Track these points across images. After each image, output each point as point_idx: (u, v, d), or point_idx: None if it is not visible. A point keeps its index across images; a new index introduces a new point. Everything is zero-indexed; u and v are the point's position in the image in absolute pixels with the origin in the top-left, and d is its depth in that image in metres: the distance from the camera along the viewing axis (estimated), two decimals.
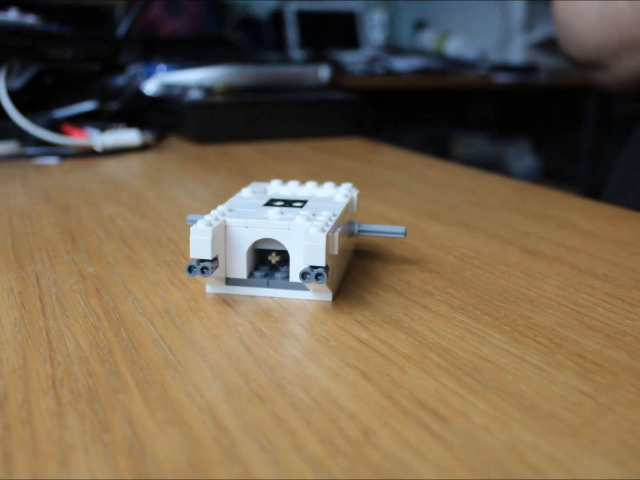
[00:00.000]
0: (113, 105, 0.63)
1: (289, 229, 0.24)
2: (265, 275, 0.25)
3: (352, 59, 1.94)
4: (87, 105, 0.61)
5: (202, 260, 0.23)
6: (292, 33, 1.96)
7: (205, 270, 0.23)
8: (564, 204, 0.40)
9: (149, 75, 0.75)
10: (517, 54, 2.12)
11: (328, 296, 0.24)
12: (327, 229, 0.23)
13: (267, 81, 0.74)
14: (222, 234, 0.24)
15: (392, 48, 2.20)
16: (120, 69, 0.66)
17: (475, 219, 0.37)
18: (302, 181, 0.46)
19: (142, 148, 0.58)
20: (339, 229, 0.24)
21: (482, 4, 2.17)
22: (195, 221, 0.27)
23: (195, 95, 0.69)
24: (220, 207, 0.26)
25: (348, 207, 0.28)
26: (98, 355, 0.20)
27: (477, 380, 0.19)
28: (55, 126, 0.56)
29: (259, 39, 2.00)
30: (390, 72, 1.86)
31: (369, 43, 2.13)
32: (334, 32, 2.05)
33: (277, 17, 2.03)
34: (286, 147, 0.62)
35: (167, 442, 0.15)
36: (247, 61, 0.80)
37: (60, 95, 0.61)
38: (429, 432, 0.16)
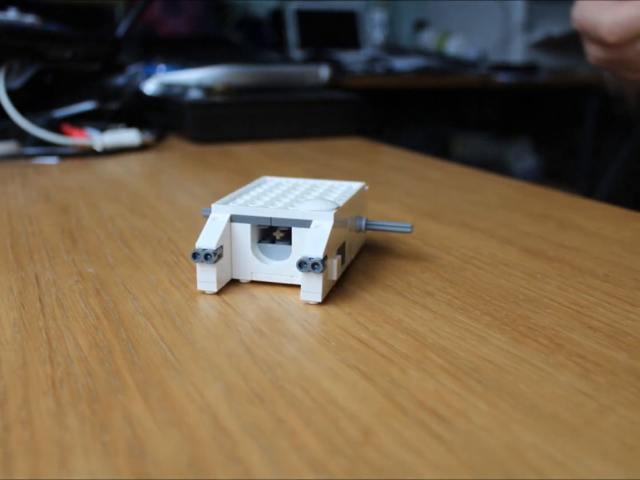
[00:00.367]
0: (113, 105, 0.63)
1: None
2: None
3: (352, 59, 1.94)
4: (87, 105, 0.61)
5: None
6: (292, 33, 1.96)
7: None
8: (564, 204, 0.40)
9: (148, 75, 0.75)
10: (517, 53, 2.12)
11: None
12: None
13: (267, 81, 0.74)
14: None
15: (393, 48, 2.20)
16: (120, 68, 0.66)
17: (475, 219, 0.37)
18: (303, 177, 0.46)
19: (142, 148, 0.58)
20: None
21: (483, 3, 2.17)
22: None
23: (195, 95, 0.69)
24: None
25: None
26: (98, 356, 0.20)
27: (477, 381, 0.18)
28: (55, 126, 0.56)
29: (258, 38, 2.00)
30: (391, 72, 1.86)
31: (369, 43, 2.13)
32: (334, 31, 2.05)
33: (277, 17, 2.03)
34: (286, 147, 0.62)
35: (167, 442, 0.15)
36: (247, 61, 0.80)
37: (59, 95, 0.61)
38: (429, 432, 0.16)
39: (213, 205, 0.25)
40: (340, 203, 0.26)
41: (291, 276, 0.25)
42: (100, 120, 0.61)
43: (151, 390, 0.18)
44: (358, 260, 0.29)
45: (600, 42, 0.43)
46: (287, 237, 0.26)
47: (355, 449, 0.15)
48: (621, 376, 0.19)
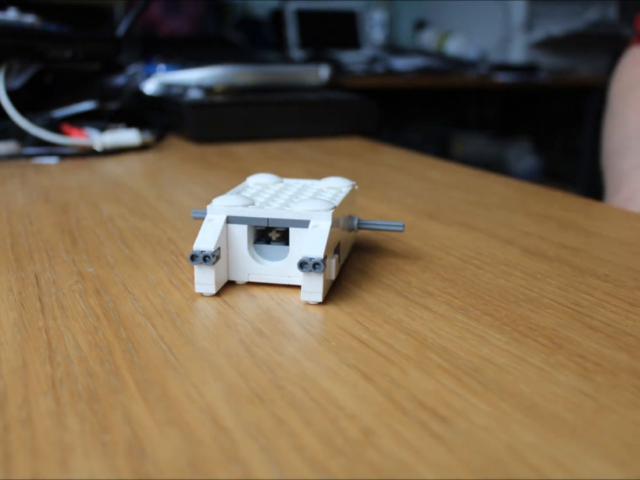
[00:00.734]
0: (112, 105, 0.63)
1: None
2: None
3: (352, 59, 1.94)
4: (87, 105, 0.61)
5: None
6: (292, 33, 1.96)
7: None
8: (564, 203, 0.40)
9: (148, 75, 0.75)
10: (517, 53, 2.12)
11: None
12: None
13: (267, 81, 0.74)
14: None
15: (393, 48, 2.20)
16: (119, 68, 0.66)
17: (475, 219, 0.37)
18: (303, 177, 0.46)
19: (142, 148, 0.58)
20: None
21: (483, 3, 2.17)
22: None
23: (195, 95, 0.69)
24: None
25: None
26: (98, 356, 0.20)
27: (477, 381, 0.18)
28: (55, 126, 0.56)
29: (258, 38, 2.00)
30: (391, 72, 1.86)
31: (369, 43, 2.13)
32: (334, 31, 2.05)
33: (277, 17, 2.03)
34: (286, 147, 0.62)
35: (166, 442, 0.15)
36: (246, 61, 0.80)
37: (59, 95, 0.61)
38: (429, 432, 0.16)
39: (209, 207, 0.25)
40: (336, 202, 0.26)
41: (289, 276, 0.25)
42: (100, 120, 0.61)
43: (151, 391, 0.18)
44: (358, 260, 0.29)
45: None
46: (282, 238, 0.26)
47: (355, 449, 0.15)
48: (621, 376, 0.19)
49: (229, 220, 0.25)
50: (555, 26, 2.04)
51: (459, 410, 0.17)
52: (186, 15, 1.88)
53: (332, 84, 0.81)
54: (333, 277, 0.25)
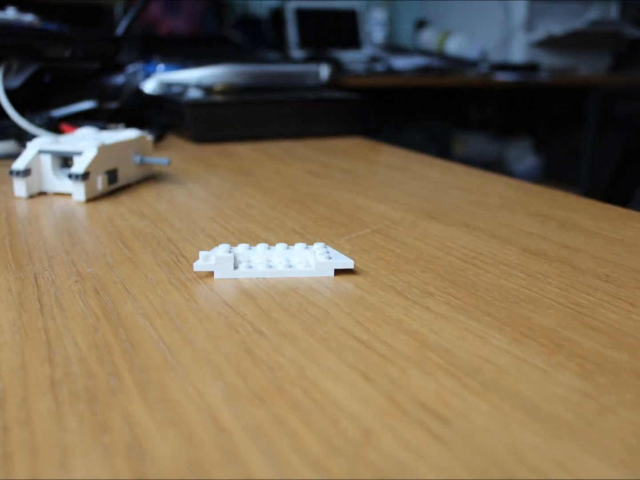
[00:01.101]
0: (112, 105, 0.63)
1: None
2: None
3: (353, 58, 1.94)
4: (86, 105, 0.61)
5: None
6: (292, 32, 1.96)
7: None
8: (565, 204, 0.40)
9: (148, 74, 0.75)
10: (518, 53, 2.12)
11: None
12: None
13: (267, 80, 0.74)
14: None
15: (393, 47, 2.19)
16: (119, 68, 0.66)
17: (476, 219, 0.36)
18: (303, 177, 0.46)
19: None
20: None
21: (483, 2, 2.17)
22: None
23: (194, 94, 0.69)
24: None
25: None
26: (97, 356, 0.20)
27: (477, 381, 0.18)
28: (54, 125, 0.56)
29: (258, 37, 2.00)
30: (391, 71, 1.86)
31: (369, 42, 2.13)
32: (334, 31, 2.04)
33: (277, 16, 2.03)
34: (286, 147, 0.62)
35: (166, 443, 0.15)
36: (246, 60, 0.80)
37: (59, 94, 0.61)
38: (429, 433, 0.16)
39: (29, 143, 0.41)
40: (108, 142, 0.41)
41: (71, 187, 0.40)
42: (100, 119, 0.61)
43: (151, 391, 0.18)
44: (358, 260, 0.29)
45: None
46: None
47: (356, 449, 0.15)
48: (622, 377, 0.19)
49: (40, 151, 0.41)
50: (555, 26, 2.04)
51: (459, 411, 0.17)
52: (186, 15, 1.88)
53: (332, 84, 0.81)
54: (99, 188, 0.40)
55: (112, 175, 0.42)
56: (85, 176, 0.38)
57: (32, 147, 0.41)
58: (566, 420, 0.17)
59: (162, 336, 0.21)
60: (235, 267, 0.27)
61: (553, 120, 2.30)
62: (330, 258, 0.27)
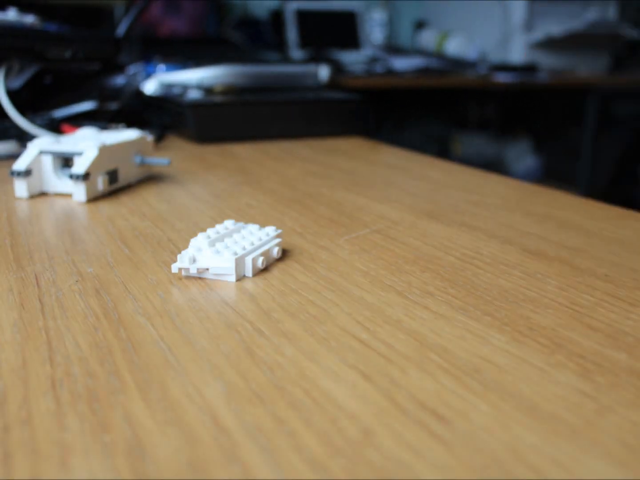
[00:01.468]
0: (112, 105, 0.63)
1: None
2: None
3: (352, 59, 1.94)
4: (87, 105, 0.61)
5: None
6: (291, 33, 1.96)
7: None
8: (564, 203, 0.40)
9: (148, 75, 0.75)
10: (517, 53, 2.12)
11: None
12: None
13: (267, 81, 0.74)
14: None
15: (392, 48, 2.20)
16: (119, 68, 0.66)
17: (475, 219, 0.37)
18: (303, 177, 0.46)
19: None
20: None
21: (483, 3, 2.17)
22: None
23: (195, 95, 0.69)
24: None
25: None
26: (97, 356, 0.20)
27: (477, 381, 0.18)
28: (55, 126, 0.56)
29: (258, 38, 2.00)
30: (390, 72, 1.86)
31: (369, 43, 2.13)
32: (334, 31, 2.04)
33: (276, 17, 2.03)
34: (286, 147, 0.62)
35: (166, 442, 0.15)
36: (246, 61, 0.80)
37: (59, 95, 0.61)
38: (429, 432, 0.16)
39: (29, 143, 0.41)
40: (108, 142, 0.41)
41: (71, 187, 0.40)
42: (100, 120, 0.61)
43: (151, 391, 0.18)
44: (358, 260, 0.29)
45: None
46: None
47: (355, 449, 0.15)
48: (621, 376, 0.19)
49: (41, 152, 0.41)
50: (555, 26, 2.04)
51: (459, 410, 0.17)
52: (186, 15, 1.88)
53: (332, 84, 0.81)
54: (100, 188, 0.40)
55: (112, 176, 0.42)
56: (86, 176, 0.39)
57: (33, 148, 0.41)
58: (566, 420, 0.17)
59: (163, 336, 0.21)
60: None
61: (552, 121, 2.30)
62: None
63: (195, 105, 0.64)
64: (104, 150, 0.41)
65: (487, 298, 0.25)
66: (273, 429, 0.16)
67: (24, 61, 0.55)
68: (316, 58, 1.82)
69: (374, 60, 1.97)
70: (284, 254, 0.30)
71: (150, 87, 0.73)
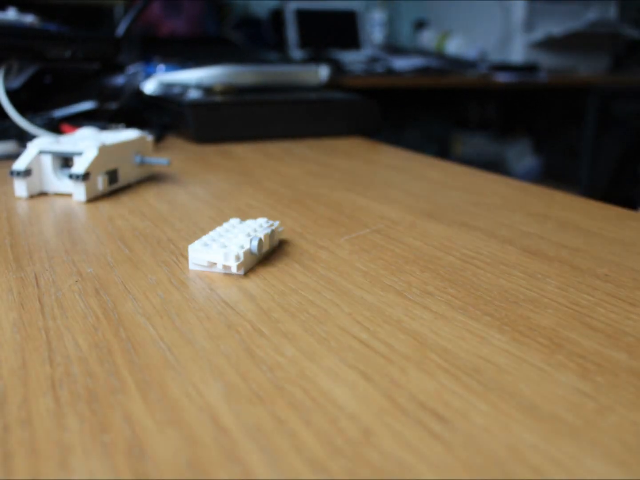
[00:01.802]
0: (112, 105, 0.63)
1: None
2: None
3: (352, 59, 1.94)
4: (86, 105, 0.61)
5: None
6: (292, 32, 1.96)
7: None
8: (564, 203, 0.40)
9: (148, 74, 0.75)
10: (517, 53, 2.12)
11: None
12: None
13: (267, 81, 0.74)
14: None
15: (392, 47, 2.20)
16: (119, 68, 0.66)
17: (475, 219, 0.37)
18: (303, 177, 0.46)
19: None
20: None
21: (483, 3, 2.17)
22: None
23: (195, 94, 0.69)
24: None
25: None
26: (97, 356, 0.20)
27: (477, 381, 0.18)
28: (54, 126, 0.56)
29: (258, 38, 2.00)
30: (391, 72, 1.86)
31: (369, 42, 2.13)
32: (334, 31, 2.05)
33: (276, 17, 2.03)
34: (286, 147, 0.62)
35: (166, 442, 0.15)
36: (246, 61, 0.80)
37: (59, 94, 0.61)
38: (429, 432, 0.16)
39: (29, 143, 0.41)
40: (108, 142, 0.41)
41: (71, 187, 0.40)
42: (100, 120, 0.61)
43: (151, 391, 0.18)
44: (358, 260, 0.29)
45: None
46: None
47: (355, 449, 0.15)
48: (621, 376, 0.19)
49: (40, 152, 0.41)
50: (555, 26, 2.04)
51: (459, 410, 0.17)
52: (186, 15, 1.88)
53: (332, 84, 0.81)
54: (100, 188, 0.40)
55: (112, 176, 0.42)
56: (85, 176, 0.39)
57: (32, 148, 0.41)
58: (566, 420, 0.17)
59: (162, 336, 0.21)
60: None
61: (552, 121, 2.30)
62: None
63: (195, 105, 0.64)
64: (104, 150, 0.41)
65: (487, 298, 0.25)
66: (273, 429, 0.16)
67: (23, 61, 0.55)
68: (316, 58, 1.82)
69: (374, 60, 1.97)
70: (285, 253, 0.30)
71: (150, 87, 0.73)
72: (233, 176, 0.48)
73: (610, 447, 0.15)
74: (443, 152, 2.22)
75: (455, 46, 2.22)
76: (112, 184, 0.42)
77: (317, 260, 0.29)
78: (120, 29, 0.63)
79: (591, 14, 2.07)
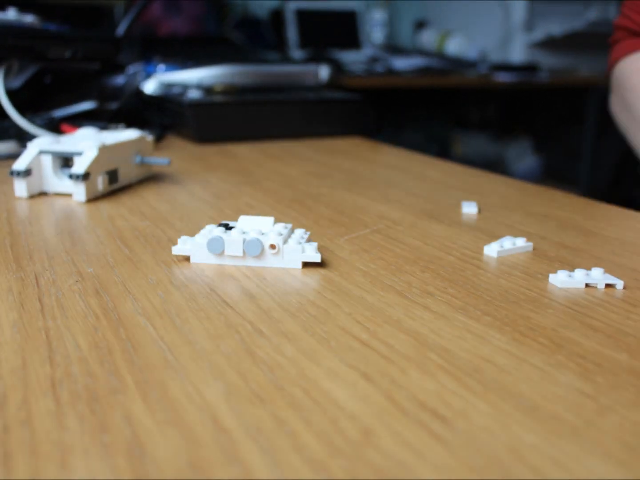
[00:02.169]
0: (112, 105, 0.63)
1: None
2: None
3: (352, 59, 1.94)
4: (87, 105, 0.61)
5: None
6: (292, 32, 1.96)
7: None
8: (564, 203, 0.40)
9: (148, 74, 0.75)
10: (517, 53, 2.12)
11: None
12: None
13: (267, 81, 0.74)
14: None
15: (393, 47, 2.19)
16: (119, 68, 0.66)
17: (475, 219, 0.36)
18: (303, 177, 0.46)
19: None
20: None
21: (483, 3, 2.17)
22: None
23: (195, 94, 0.69)
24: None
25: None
26: (97, 356, 0.20)
27: (477, 381, 0.18)
28: (54, 126, 0.56)
29: (258, 38, 2.00)
30: (391, 72, 1.86)
31: (369, 42, 2.13)
32: (334, 31, 2.04)
33: (277, 17, 2.03)
34: (286, 147, 0.62)
35: (166, 442, 0.15)
36: (246, 61, 0.80)
37: (59, 94, 0.61)
38: (429, 432, 0.16)
39: (29, 143, 0.41)
40: (108, 142, 0.41)
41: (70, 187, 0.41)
42: (100, 120, 0.61)
43: (151, 391, 0.18)
44: (358, 260, 0.29)
45: None
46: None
47: (355, 449, 0.15)
48: (621, 376, 0.19)
49: (40, 152, 0.41)
50: (555, 26, 2.04)
51: (459, 410, 0.17)
52: (186, 15, 1.88)
53: (332, 84, 0.81)
54: (100, 188, 0.40)
55: (112, 176, 0.42)
56: (85, 176, 0.39)
57: (32, 148, 0.41)
58: (566, 420, 0.17)
59: (162, 336, 0.21)
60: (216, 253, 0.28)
61: (553, 121, 2.30)
62: (302, 250, 0.28)
63: (195, 105, 0.64)
64: (104, 150, 0.41)
65: (487, 298, 0.25)
66: (273, 429, 0.16)
67: (23, 61, 0.55)
68: (316, 58, 1.81)
69: (374, 60, 1.97)
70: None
71: (150, 86, 0.73)
72: (233, 176, 0.48)
73: (610, 447, 0.15)
74: (443, 152, 2.22)
75: (455, 46, 2.22)
76: (112, 184, 0.42)
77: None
78: (120, 29, 0.63)
79: (591, 14, 2.07)
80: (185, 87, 0.72)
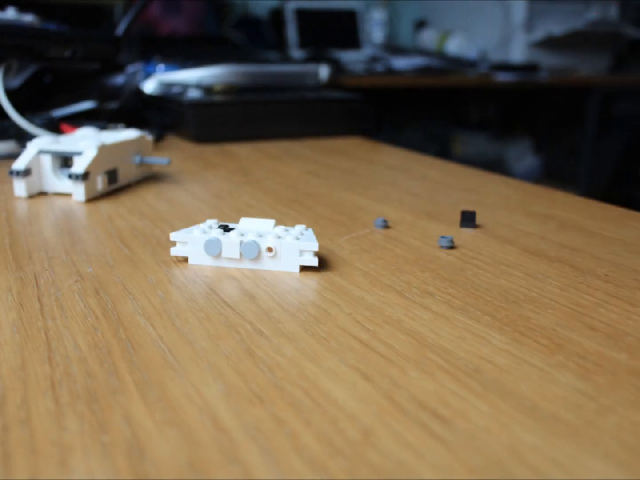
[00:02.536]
0: (112, 105, 0.63)
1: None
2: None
3: (352, 58, 1.94)
4: (86, 105, 0.61)
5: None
6: (291, 32, 1.96)
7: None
8: (565, 203, 0.40)
9: (148, 74, 0.75)
10: (518, 53, 2.12)
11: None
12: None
13: (266, 80, 0.74)
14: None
15: (393, 47, 2.19)
16: (119, 68, 0.66)
17: (475, 219, 0.36)
18: (303, 177, 0.46)
19: None
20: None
21: (483, 3, 2.17)
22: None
23: (194, 94, 0.69)
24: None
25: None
26: (97, 356, 0.20)
27: (477, 381, 0.18)
28: (54, 125, 0.56)
29: (258, 38, 2.00)
30: (391, 72, 1.86)
31: (369, 42, 2.13)
32: (334, 31, 2.04)
33: (276, 16, 2.03)
34: (286, 147, 0.62)
35: (166, 442, 0.15)
36: (246, 60, 0.80)
37: (58, 94, 0.61)
38: (429, 433, 0.16)
39: (29, 143, 0.41)
40: (107, 142, 0.41)
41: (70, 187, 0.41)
42: (100, 119, 0.61)
43: (150, 391, 0.18)
44: (358, 260, 0.29)
45: None
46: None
47: (355, 449, 0.15)
48: (621, 376, 0.19)
49: (40, 152, 0.41)
50: (555, 26, 2.04)
51: (459, 411, 0.17)
52: (186, 15, 1.88)
53: (332, 84, 0.81)
54: (99, 188, 0.40)
55: (112, 175, 0.42)
56: (85, 176, 0.39)
57: (32, 147, 0.41)
58: (566, 420, 0.17)
59: (162, 336, 0.21)
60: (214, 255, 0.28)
61: (553, 120, 2.30)
62: (300, 254, 0.27)
63: (195, 105, 0.64)
64: (104, 149, 0.41)
65: (487, 298, 0.25)
66: (273, 430, 0.16)
67: (23, 60, 0.55)
68: (316, 58, 1.81)
69: (374, 59, 1.97)
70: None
71: (149, 86, 0.73)
72: (233, 176, 0.48)
73: (610, 447, 0.15)
74: (443, 152, 2.22)
75: (455, 46, 2.22)
76: (112, 183, 0.42)
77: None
78: (120, 29, 0.63)
79: (592, 14, 2.07)
80: (185, 87, 0.72)
